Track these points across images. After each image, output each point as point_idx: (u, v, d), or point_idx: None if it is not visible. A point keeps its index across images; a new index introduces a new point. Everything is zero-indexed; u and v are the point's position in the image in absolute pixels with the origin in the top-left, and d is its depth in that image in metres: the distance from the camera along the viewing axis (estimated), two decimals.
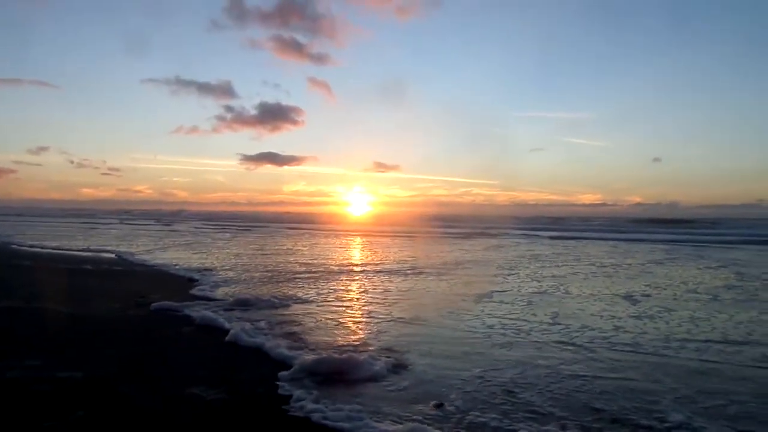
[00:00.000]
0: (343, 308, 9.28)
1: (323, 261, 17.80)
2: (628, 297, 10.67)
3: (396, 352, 6.41)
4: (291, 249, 23.44)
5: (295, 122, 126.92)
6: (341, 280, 13.05)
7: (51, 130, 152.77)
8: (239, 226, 50.07)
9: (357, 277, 13.60)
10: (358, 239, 32.63)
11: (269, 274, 13.94)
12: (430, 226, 50.81)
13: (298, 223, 63.02)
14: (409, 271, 14.87)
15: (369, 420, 4.34)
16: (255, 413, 4.50)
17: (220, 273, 14.01)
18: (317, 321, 8.24)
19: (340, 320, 8.30)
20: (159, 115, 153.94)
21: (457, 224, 55.17)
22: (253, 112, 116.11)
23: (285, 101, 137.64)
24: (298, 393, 4.91)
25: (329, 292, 11.04)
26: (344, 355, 5.94)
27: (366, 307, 9.38)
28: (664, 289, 11.91)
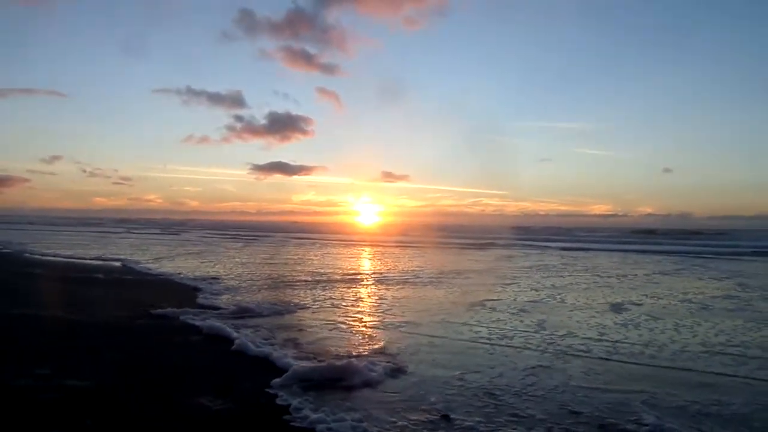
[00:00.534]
0: (344, 315, 9.76)
1: (329, 270, 18.33)
2: (620, 306, 11.04)
3: (389, 356, 6.85)
4: (298, 258, 24.01)
5: (304, 132, 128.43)
6: (344, 288, 13.54)
7: (64, 139, 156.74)
8: (247, 236, 50.87)
9: (358, 286, 14.09)
10: (366, 249, 33.14)
11: (275, 283, 14.47)
12: (440, 237, 51.16)
13: (307, 232, 63.75)
14: (413, 281, 15.33)
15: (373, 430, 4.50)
16: (261, 423, 4.66)
17: (227, 282, 14.52)
18: (322, 328, 8.61)
19: (343, 327, 8.76)
20: (170, 124, 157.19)
21: (466, 234, 55.42)
22: (263, 121, 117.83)
23: (294, 111, 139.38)
24: (297, 402, 5.05)
25: (333, 300, 11.53)
26: (343, 362, 6.24)
27: (364, 315, 9.86)
28: (660, 298, 12.25)
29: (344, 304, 11.13)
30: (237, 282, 14.53)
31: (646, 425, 4.65)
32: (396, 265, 20.77)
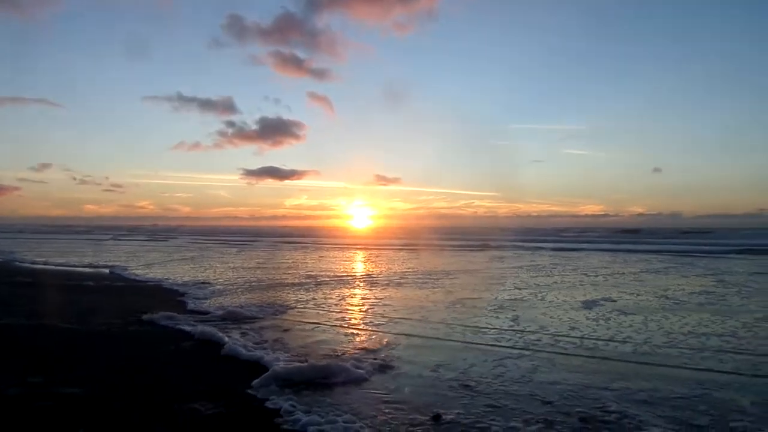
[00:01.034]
0: (332, 316, 10.17)
1: (319, 273, 18.76)
2: (596, 303, 11.57)
3: (374, 353, 7.28)
4: (289, 262, 24.45)
5: (296, 137, 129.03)
6: (333, 291, 13.96)
7: (54, 147, 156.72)
8: (239, 241, 51.19)
9: (346, 288, 14.53)
10: (358, 252, 33.62)
11: (265, 287, 14.86)
12: (432, 239, 51.70)
13: (300, 236, 64.12)
14: (400, 282, 15.81)
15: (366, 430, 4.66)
16: (253, 426, 4.79)
17: (217, 286, 14.88)
18: (312, 329, 8.98)
19: (331, 328, 9.17)
20: (161, 131, 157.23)
21: (459, 236, 56.01)
22: (254, 127, 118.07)
23: (286, 116, 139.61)
24: (288, 405, 5.20)
25: (323, 302, 11.94)
26: (330, 361, 6.58)
27: (351, 316, 10.33)
28: (639, 295, 12.81)
29: (333, 305, 11.57)
30: (227, 286, 14.91)
31: (613, 412, 5.06)
32: (387, 268, 21.27)
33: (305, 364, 6.54)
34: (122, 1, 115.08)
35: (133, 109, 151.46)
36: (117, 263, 22.95)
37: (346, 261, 26.03)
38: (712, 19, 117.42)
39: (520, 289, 14.11)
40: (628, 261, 24.51)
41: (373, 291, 13.92)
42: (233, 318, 9.93)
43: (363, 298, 12.64)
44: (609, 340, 8.08)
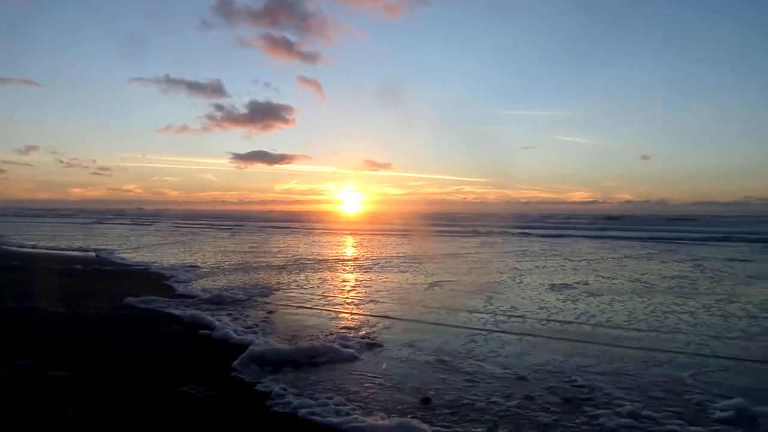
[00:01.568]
0: (318, 298, 10.78)
1: (307, 257, 19.36)
2: (569, 286, 12.27)
3: (357, 332, 7.91)
4: (277, 246, 25.00)
5: (285, 120, 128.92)
6: (319, 273, 14.55)
7: (40, 129, 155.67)
8: (227, 225, 51.56)
9: (332, 271, 15.12)
10: (347, 237, 34.23)
11: (252, 270, 15.41)
12: (422, 225, 52.40)
13: (289, 221, 64.57)
14: (384, 265, 16.43)
15: (357, 414, 4.71)
16: (243, 409, 4.89)
17: (205, 270, 15.39)
18: (299, 311, 9.54)
19: (317, 309, 9.76)
20: (149, 114, 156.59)
21: (448, 222, 56.74)
22: (244, 110, 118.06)
23: (275, 100, 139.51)
24: (278, 388, 5.33)
25: (309, 285, 12.50)
26: (318, 341, 7.01)
27: (336, 298, 10.91)
28: (614, 279, 13.54)
29: (319, 288, 12.14)
30: (215, 270, 15.42)
31: (582, 386, 5.57)
32: (375, 252, 21.90)
33: (292, 345, 6.85)
34: None
35: (121, 91, 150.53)
36: (104, 247, 23.37)
37: (336, 246, 26.59)
38: (701, 10, 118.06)
39: (501, 272, 14.78)
40: (614, 247, 25.35)
41: (362, 275, 14.53)
42: (221, 301, 10.26)
43: (350, 282, 13.24)
44: (576, 318, 8.76)
